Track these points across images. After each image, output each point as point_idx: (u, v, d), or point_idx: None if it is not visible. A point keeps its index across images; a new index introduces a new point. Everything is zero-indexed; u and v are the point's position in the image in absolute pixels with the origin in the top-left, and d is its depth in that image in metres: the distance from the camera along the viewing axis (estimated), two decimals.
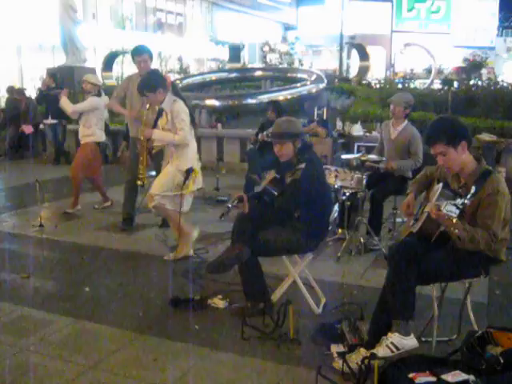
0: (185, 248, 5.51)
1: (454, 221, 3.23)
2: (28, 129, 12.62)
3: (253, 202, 4.32)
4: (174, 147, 5.33)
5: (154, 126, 5.32)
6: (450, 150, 3.39)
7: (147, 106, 5.45)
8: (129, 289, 4.83)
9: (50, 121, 11.80)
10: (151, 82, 5.26)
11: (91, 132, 7.28)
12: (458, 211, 3.22)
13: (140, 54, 6.17)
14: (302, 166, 4.13)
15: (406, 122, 5.99)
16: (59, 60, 17.45)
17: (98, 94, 7.35)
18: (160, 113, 5.28)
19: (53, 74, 12.84)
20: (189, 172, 5.25)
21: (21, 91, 13.65)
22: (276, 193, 4.33)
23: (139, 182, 5.76)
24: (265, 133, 7.94)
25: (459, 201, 3.26)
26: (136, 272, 5.12)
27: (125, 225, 6.57)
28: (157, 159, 6.10)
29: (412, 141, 5.84)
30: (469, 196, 3.26)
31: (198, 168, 5.44)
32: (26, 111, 12.88)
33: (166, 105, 5.25)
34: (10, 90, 13.73)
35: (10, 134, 12.92)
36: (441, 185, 3.54)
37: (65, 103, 7.27)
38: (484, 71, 26.74)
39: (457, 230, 3.26)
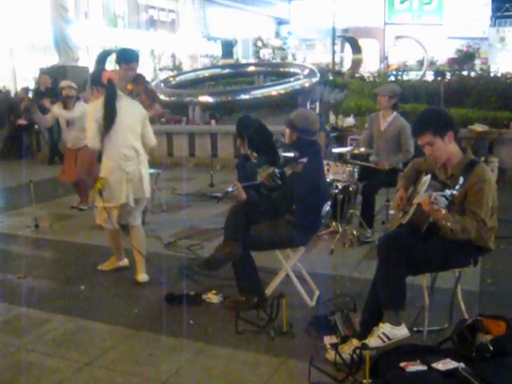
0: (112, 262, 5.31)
1: (444, 212, 3.27)
2: (22, 121, 12.69)
3: (249, 194, 4.35)
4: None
5: None
6: (437, 140, 3.43)
7: None
8: (124, 286, 4.87)
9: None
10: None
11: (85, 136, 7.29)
12: (446, 202, 3.27)
13: (129, 62, 5.38)
14: (304, 160, 4.17)
15: (395, 113, 6.01)
16: (52, 60, 17.43)
17: (78, 98, 7.44)
18: None
19: (49, 73, 12.90)
20: (95, 181, 4.83)
21: (26, 90, 13.70)
22: (279, 182, 4.36)
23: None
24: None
25: (448, 192, 3.30)
26: (131, 269, 5.15)
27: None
28: None
29: (402, 132, 5.86)
30: (457, 187, 3.31)
31: (114, 179, 4.78)
32: (27, 110, 12.92)
33: None
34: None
35: (5, 133, 12.92)
36: (429, 176, 3.59)
37: (62, 114, 7.34)
38: (477, 62, 26.80)
39: (448, 223, 3.30)
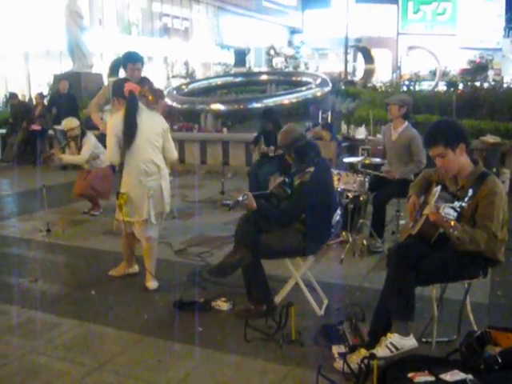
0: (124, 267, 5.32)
1: (453, 223, 3.29)
2: (36, 126, 12.84)
3: (260, 203, 4.37)
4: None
5: None
6: (448, 152, 3.44)
7: None
8: (134, 292, 4.90)
9: (61, 126, 11.85)
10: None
11: (100, 162, 7.51)
12: (455, 214, 3.29)
13: (134, 62, 5.45)
14: (311, 169, 4.20)
15: (406, 123, 6.00)
16: (66, 66, 17.60)
17: (83, 132, 7.54)
18: None
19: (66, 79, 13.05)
20: (117, 195, 4.81)
21: (40, 95, 13.87)
22: (285, 193, 4.38)
23: None
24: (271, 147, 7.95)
25: (457, 204, 3.32)
26: (141, 275, 5.18)
27: None
28: None
29: (412, 142, 5.84)
30: (466, 199, 3.32)
31: (136, 194, 4.77)
32: (43, 115, 13.08)
33: None
34: (14, 95, 13.89)
35: (19, 139, 13.05)
36: (439, 187, 3.60)
37: (72, 159, 7.60)
38: (490, 73, 26.74)
39: (456, 232, 3.32)
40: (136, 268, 5.29)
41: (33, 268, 5.53)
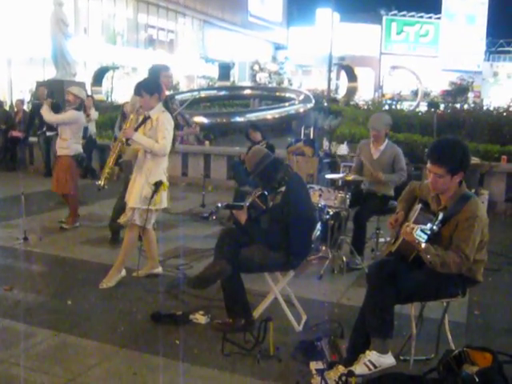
0: (152, 264, 5.56)
1: (423, 246, 3.30)
2: (16, 133, 12.68)
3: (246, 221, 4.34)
4: (149, 156, 5.15)
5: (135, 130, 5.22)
6: (447, 176, 3.43)
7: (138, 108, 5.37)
8: (111, 303, 4.84)
9: (48, 133, 11.64)
10: (151, 85, 5.28)
11: (66, 145, 7.28)
12: (426, 237, 3.29)
13: (167, 69, 6.57)
14: (282, 189, 4.20)
15: (386, 140, 6.07)
16: (49, 73, 17.47)
17: (79, 108, 7.41)
18: (144, 120, 5.16)
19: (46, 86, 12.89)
20: (157, 185, 5.10)
21: (20, 101, 13.71)
22: (264, 206, 4.35)
23: (100, 182, 5.48)
24: None
25: (428, 226, 3.32)
26: (119, 286, 5.13)
27: (112, 240, 6.59)
28: (126, 172, 6.17)
29: (397, 158, 5.92)
30: (437, 222, 3.34)
31: (166, 183, 5.30)
32: (23, 122, 12.92)
33: (154, 112, 5.14)
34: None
35: None
36: (420, 206, 3.61)
37: (45, 111, 7.40)
38: (471, 95, 27.16)
39: (428, 256, 3.33)
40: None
41: (8, 276, 5.44)
